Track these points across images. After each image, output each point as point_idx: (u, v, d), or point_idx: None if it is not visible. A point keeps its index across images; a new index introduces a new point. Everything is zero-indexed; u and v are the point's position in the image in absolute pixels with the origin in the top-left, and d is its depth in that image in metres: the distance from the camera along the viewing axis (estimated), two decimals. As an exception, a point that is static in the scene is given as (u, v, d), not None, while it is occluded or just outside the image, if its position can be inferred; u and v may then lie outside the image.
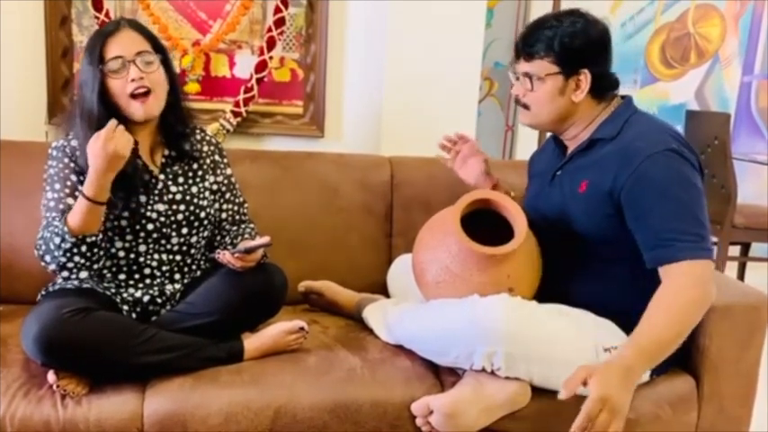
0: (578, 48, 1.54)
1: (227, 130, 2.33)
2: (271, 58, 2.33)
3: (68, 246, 1.48)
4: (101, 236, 1.53)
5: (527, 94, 1.61)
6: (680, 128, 3.40)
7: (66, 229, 1.46)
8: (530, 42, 1.57)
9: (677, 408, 1.62)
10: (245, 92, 2.33)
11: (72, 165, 1.59)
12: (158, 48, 1.63)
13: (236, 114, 2.33)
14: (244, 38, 2.35)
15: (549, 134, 1.81)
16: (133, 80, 1.55)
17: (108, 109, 1.56)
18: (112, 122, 1.46)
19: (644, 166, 1.47)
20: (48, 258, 1.52)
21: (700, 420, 1.66)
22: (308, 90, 2.41)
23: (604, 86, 1.60)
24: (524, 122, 1.68)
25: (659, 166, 1.47)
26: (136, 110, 1.58)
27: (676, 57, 4.16)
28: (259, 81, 2.33)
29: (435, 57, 2.34)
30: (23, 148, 1.94)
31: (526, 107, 1.63)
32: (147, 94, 1.57)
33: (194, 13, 2.31)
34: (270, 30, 2.31)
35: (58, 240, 1.48)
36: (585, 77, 1.56)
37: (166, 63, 1.64)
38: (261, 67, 2.33)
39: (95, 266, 1.57)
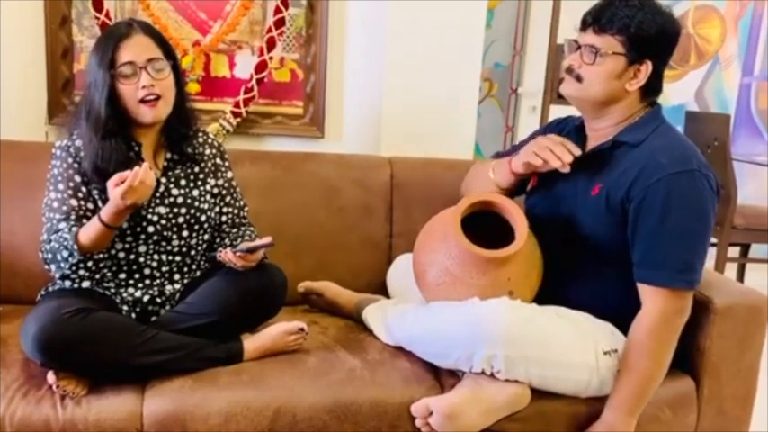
0: (652, 37, 1.50)
1: (227, 131, 2.33)
2: (271, 58, 2.32)
3: (75, 261, 1.49)
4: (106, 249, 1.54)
5: (584, 66, 1.55)
6: (680, 129, 3.40)
7: (76, 246, 1.47)
8: (606, 16, 1.51)
9: (677, 409, 1.62)
10: (245, 92, 2.32)
11: (76, 165, 1.59)
12: (170, 54, 1.62)
13: (235, 115, 2.33)
14: (244, 38, 2.35)
15: (554, 121, 1.81)
16: (144, 87, 1.55)
17: (116, 112, 1.56)
18: (137, 171, 1.40)
19: (660, 183, 1.45)
20: (53, 267, 1.53)
21: (699, 421, 1.66)
22: (308, 91, 2.41)
23: (655, 87, 1.58)
24: (568, 93, 1.60)
25: (674, 187, 1.45)
26: (145, 114, 1.57)
27: (676, 58, 4.14)
28: (259, 81, 2.33)
29: (435, 57, 2.34)
30: (23, 148, 1.94)
31: (579, 79, 1.57)
32: (156, 99, 1.57)
33: (194, 14, 2.31)
34: (270, 30, 2.31)
35: (65, 254, 1.49)
36: (646, 69, 1.53)
37: (176, 68, 1.63)
38: (261, 67, 2.32)
39: (97, 276, 1.59)
